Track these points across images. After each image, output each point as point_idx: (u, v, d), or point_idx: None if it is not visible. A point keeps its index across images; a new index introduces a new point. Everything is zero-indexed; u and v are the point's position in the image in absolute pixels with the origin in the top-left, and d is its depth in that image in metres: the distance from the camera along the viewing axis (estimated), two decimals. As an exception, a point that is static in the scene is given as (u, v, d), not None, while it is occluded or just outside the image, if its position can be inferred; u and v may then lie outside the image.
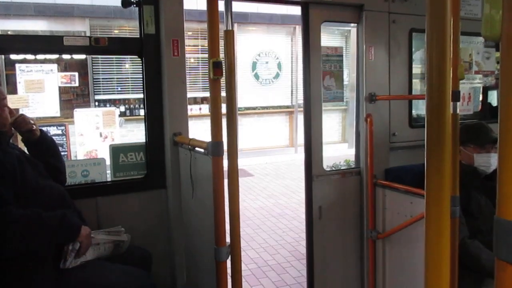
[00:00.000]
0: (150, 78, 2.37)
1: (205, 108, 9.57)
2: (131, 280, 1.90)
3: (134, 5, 2.30)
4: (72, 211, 1.93)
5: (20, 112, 6.45)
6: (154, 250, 2.28)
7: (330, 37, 10.88)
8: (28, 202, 1.77)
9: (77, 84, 7.66)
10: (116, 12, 8.13)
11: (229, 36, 1.69)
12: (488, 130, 2.41)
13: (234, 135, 1.73)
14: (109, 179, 2.47)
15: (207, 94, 9.02)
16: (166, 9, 2.30)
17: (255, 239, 4.77)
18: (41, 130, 2.06)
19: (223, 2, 1.70)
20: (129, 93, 8.93)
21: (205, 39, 7.81)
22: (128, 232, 2.10)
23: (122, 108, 8.81)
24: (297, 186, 7.28)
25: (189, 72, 9.05)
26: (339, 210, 2.80)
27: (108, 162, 2.48)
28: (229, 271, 1.81)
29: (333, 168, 4.18)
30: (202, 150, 1.99)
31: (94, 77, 8.65)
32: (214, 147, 1.76)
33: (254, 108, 10.18)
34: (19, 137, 2.06)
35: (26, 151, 2.06)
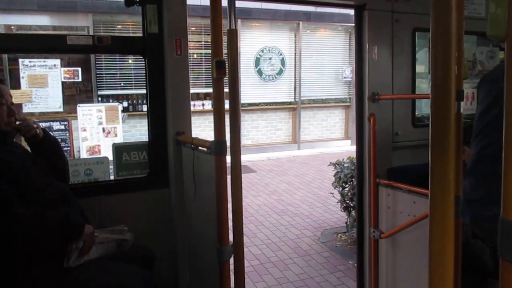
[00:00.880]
0: (153, 77, 2.37)
1: (208, 104, 9.58)
2: (134, 279, 1.91)
3: (137, 4, 2.29)
4: (76, 210, 1.94)
5: (23, 107, 6.48)
6: (157, 249, 2.29)
7: (333, 34, 10.86)
8: (31, 201, 1.78)
9: (80, 80, 7.68)
10: (120, 7, 8.12)
11: (233, 35, 1.68)
12: None
13: (237, 134, 1.73)
14: (112, 178, 2.47)
15: (210, 90, 9.01)
16: (169, 8, 2.29)
17: (258, 236, 4.78)
18: (44, 130, 2.06)
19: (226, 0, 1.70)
20: (132, 88, 8.94)
21: (208, 34, 7.79)
22: (131, 231, 2.11)
23: (125, 104, 8.82)
24: (300, 183, 7.28)
25: (192, 68, 9.04)
26: None
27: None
28: (232, 269, 1.82)
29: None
30: (205, 149, 1.99)
31: (97, 72, 8.66)
32: (217, 146, 1.76)
33: (257, 104, 10.17)
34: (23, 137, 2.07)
35: (29, 150, 2.06)
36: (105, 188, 2.38)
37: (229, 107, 1.71)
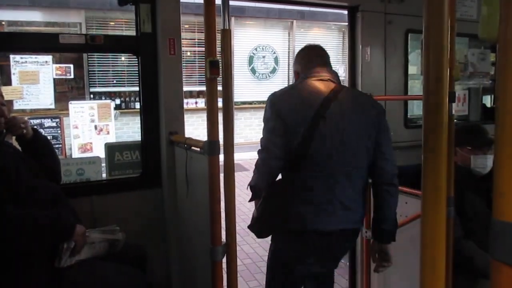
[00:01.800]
0: (146, 77, 2.36)
1: (201, 102, 9.56)
2: (126, 279, 1.90)
3: (131, 3, 2.28)
4: (67, 210, 1.93)
5: (14, 104, 6.40)
6: (150, 249, 2.29)
7: (327, 33, 10.87)
8: (22, 201, 1.76)
9: (72, 76, 7.61)
10: (113, 4, 8.06)
11: (226, 36, 1.68)
12: (485, 132, 2.42)
13: (230, 134, 1.73)
14: (104, 177, 2.46)
15: (203, 88, 9.00)
16: (162, 8, 2.28)
17: (250, 234, 4.78)
18: (35, 130, 2.04)
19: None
20: (124, 86, 8.89)
21: (202, 32, 7.78)
22: (123, 231, 2.10)
23: (118, 101, 8.77)
24: (292, 182, 7.30)
25: (186, 66, 9.02)
26: None
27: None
28: (224, 268, 1.82)
29: None
30: (198, 149, 1.98)
31: (90, 69, 8.60)
32: (210, 147, 1.76)
33: (250, 103, 10.17)
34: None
35: (20, 149, 2.04)
36: (97, 188, 2.37)
37: (222, 107, 1.70)
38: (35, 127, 2.07)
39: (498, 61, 0.68)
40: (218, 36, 1.68)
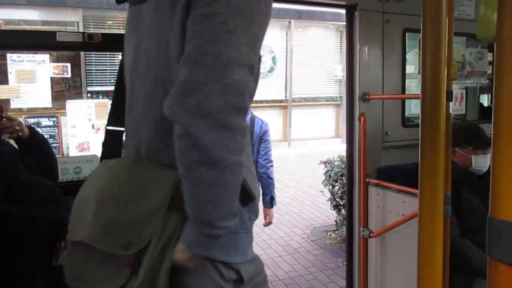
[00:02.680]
0: None
1: (199, 101, 9.54)
2: (123, 278, 1.90)
3: (128, 2, 2.26)
4: (64, 208, 1.92)
5: (11, 103, 6.39)
6: None
7: (325, 32, 10.89)
8: (19, 199, 1.76)
9: (69, 75, 7.59)
10: (110, 3, 8.05)
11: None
12: (484, 131, 2.43)
13: None
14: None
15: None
16: None
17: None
18: (31, 128, 2.03)
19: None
20: (122, 85, 8.87)
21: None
22: None
23: (115, 100, 8.76)
24: (290, 181, 7.31)
25: (183, 65, 9.00)
26: None
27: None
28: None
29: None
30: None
31: (87, 68, 8.58)
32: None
33: (247, 102, 10.17)
34: None
35: (17, 147, 2.04)
36: None
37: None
38: (31, 125, 2.06)
39: (495, 60, 0.68)
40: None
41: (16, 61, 6.66)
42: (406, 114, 3.01)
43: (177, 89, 0.92)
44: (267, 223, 3.57)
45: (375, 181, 2.69)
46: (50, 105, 7.10)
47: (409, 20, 2.80)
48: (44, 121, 7.10)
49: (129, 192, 1.05)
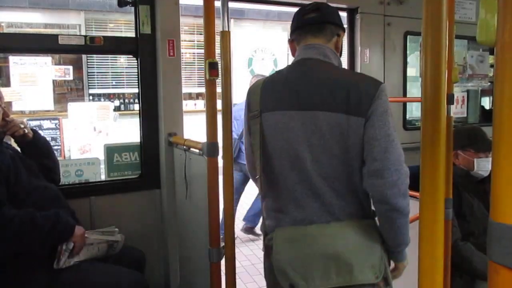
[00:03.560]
0: (145, 78, 2.36)
1: (200, 104, 9.55)
2: (124, 281, 1.90)
3: (130, 5, 2.28)
4: (66, 211, 1.93)
5: (13, 105, 6.41)
6: (148, 250, 2.28)
7: (326, 34, 10.88)
8: (21, 202, 1.76)
9: (71, 78, 7.60)
10: (112, 6, 8.07)
11: (225, 37, 1.68)
12: (486, 135, 2.43)
13: (229, 135, 1.73)
14: (103, 178, 2.46)
15: (202, 89, 9.00)
16: (162, 9, 2.29)
17: (249, 236, 4.78)
18: (34, 131, 2.04)
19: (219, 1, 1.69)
20: (124, 87, 8.88)
21: (201, 34, 7.77)
22: (122, 233, 2.10)
23: (117, 103, 8.76)
24: (291, 183, 7.29)
25: (185, 68, 9.02)
26: None
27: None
28: (223, 270, 1.82)
29: None
30: (197, 151, 1.99)
31: (89, 71, 8.59)
32: (210, 148, 1.76)
33: (249, 104, 10.18)
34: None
35: (19, 150, 2.04)
36: (96, 189, 2.36)
37: (221, 109, 1.71)
38: (34, 128, 2.07)
39: (496, 63, 0.68)
40: (217, 38, 1.69)
41: (19, 64, 6.68)
42: (407, 117, 3.01)
43: None
44: None
45: (376, 184, 2.68)
46: (52, 108, 7.11)
47: (410, 23, 2.81)
48: (46, 124, 7.10)
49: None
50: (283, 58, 10.44)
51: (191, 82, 9.52)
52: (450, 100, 2.08)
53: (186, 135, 2.36)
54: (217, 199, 1.78)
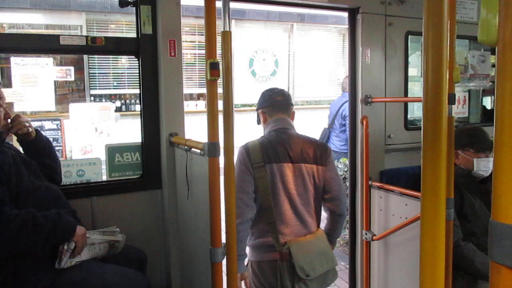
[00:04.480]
0: (147, 78, 2.36)
1: (201, 104, 9.56)
2: (126, 281, 1.90)
3: (131, 5, 2.28)
4: (67, 211, 1.93)
5: (15, 106, 6.43)
6: (149, 250, 2.29)
7: (327, 35, 10.89)
8: (23, 202, 1.76)
9: (72, 79, 7.61)
10: (113, 6, 8.09)
11: (226, 37, 1.68)
12: (487, 135, 2.42)
13: (231, 135, 1.73)
14: (104, 179, 2.46)
15: (203, 90, 9.01)
16: (163, 9, 2.29)
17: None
18: (36, 131, 2.04)
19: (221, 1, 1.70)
20: (125, 88, 8.90)
21: (202, 35, 7.79)
22: (123, 233, 2.10)
23: (118, 103, 8.78)
24: (293, 184, 7.28)
25: (186, 68, 9.03)
26: None
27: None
28: (224, 270, 1.82)
29: None
30: (198, 151, 1.99)
31: (90, 71, 8.60)
32: (211, 148, 1.76)
33: (250, 105, 10.17)
34: (14, 137, 2.05)
35: (21, 150, 2.05)
36: (97, 189, 2.37)
37: (222, 109, 1.71)
38: (36, 128, 2.07)
39: (497, 63, 0.68)
40: (219, 39, 1.69)
41: (20, 65, 6.69)
42: (409, 117, 3.01)
43: None
44: None
45: (378, 184, 2.68)
46: (53, 109, 7.13)
47: (412, 23, 2.81)
48: (48, 124, 7.12)
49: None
50: (284, 58, 10.44)
51: (192, 83, 9.53)
52: (452, 100, 2.08)
53: (188, 136, 2.36)
54: (219, 199, 1.78)
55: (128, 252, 2.12)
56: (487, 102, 3.79)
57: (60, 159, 2.70)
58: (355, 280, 2.95)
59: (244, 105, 10.05)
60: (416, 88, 3.15)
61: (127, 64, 8.75)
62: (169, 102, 2.35)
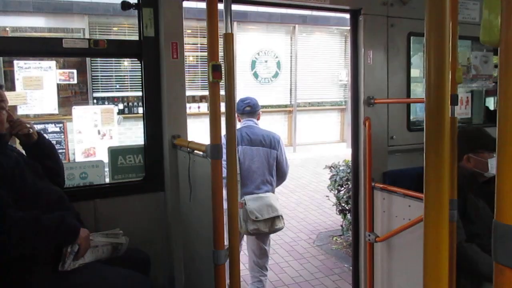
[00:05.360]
0: (149, 80, 2.36)
1: (204, 107, 9.58)
2: (129, 283, 1.90)
3: (134, 8, 2.29)
4: (71, 213, 1.93)
5: (18, 109, 6.45)
6: (153, 253, 2.29)
7: (329, 37, 10.89)
8: (26, 205, 1.77)
9: (75, 82, 7.65)
10: (116, 10, 8.12)
11: (229, 39, 1.69)
12: (490, 134, 2.42)
13: (233, 137, 1.74)
14: (107, 181, 2.47)
15: (206, 92, 9.02)
16: (165, 11, 2.29)
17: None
18: (38, 133, 2.05)
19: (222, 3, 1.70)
20: (127, 90, 8.92)
21: (204, 37, 7.81)
22: (126, 235, 2.10)
23: (121, 106, 8.80)
24: (295, 186, 7.29)
25: (188, 71, 9.05)
26: None
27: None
28: (227, 273, 1.82)
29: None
30: (201, 153, 1.99)
31: (93, 74, 8.64)
32: (213, 150, 1.76)
33: (252, 107, 10.17)
34: (18, 140, 2.05)
35: (24, 153, 2.05)
36: (100, 191, 2.37)
37: (225, 111, 1.71)
38: (39, 131, 2.08)
39: (500, 63, 0.68)
40: (221, 41, 1.70)
41: (23, 68, 6.72)
42: (411, 118, 3.00)
43: None
44: None
45: (381, 185, 2.68)
46: (56, 111, 7.15)
47: (414, 24, 2.80)
48: (51, 127, 7.14)
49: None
50: (286, 60, 10.45)
51: (195, 85, 9.55)
52: (454, 101, 2.08)
53: (190, 138, 2.36)
54: (221, 201, 1.78)
55: (131, 254, 2.12)
56: (490, 103, 3.78)
57: (63, 161, 2.71)
58: (358, 281, 2.94)
59: (247, 107, 10.05)
60: (418, 89, 3.14)
61: (129, 66, 8.78)
62: (172, 104, 2.35)
